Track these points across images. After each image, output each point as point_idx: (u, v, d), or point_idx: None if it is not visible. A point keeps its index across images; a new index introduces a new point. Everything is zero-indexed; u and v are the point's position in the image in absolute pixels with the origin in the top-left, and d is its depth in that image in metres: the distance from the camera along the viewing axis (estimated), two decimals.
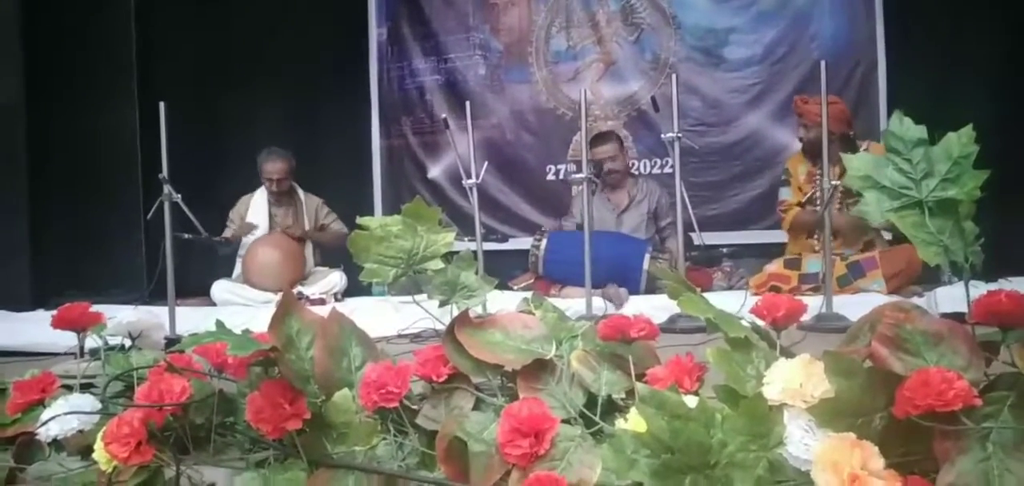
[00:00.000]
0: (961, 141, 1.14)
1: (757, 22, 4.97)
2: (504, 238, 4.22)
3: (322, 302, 3.88)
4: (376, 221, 1.43)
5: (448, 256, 1.45)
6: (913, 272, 3.34)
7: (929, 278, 3.43)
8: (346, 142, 5.67)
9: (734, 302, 2.92)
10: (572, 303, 3.48)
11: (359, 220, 1.43)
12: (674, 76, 3.21)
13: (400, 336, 2.90)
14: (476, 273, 1.39)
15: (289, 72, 5.27)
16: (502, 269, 4.48)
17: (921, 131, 1.16)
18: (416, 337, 2.76)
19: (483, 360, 1.29)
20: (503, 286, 4.30)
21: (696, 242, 3.86)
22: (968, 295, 1.13)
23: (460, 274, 1.38)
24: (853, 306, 2.76)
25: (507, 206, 5.43)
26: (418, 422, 1.27)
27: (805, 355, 1.14)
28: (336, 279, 4.18)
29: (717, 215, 4.88)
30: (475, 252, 3.49)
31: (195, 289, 4.20)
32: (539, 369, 1.27)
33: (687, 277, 3.41)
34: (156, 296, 3.90)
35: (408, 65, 5.73)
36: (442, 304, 1.38)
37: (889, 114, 4.71)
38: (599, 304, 3.43)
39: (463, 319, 1.33)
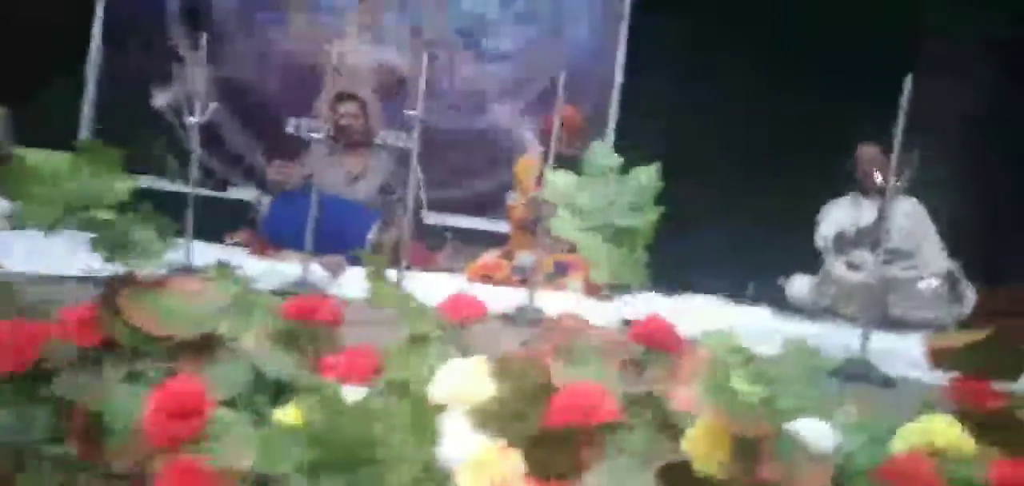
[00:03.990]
0: (648, 176, 1.24)
1: (518, 18, 5.13)
2: (223, 185, 3.91)
3: None
4: (41, 155, 1.23)
5: (131, 204, 1.29)
6: None
7: (622, 288, 3.77)
8: (59, 51, 4.95)
9: (452, 286, 3.01)
10: (288, 268, 3.35)
11: (16, 151, 1.22)
12: (426, 55, 3.21)
13: (87, 277, 2.58)
14: (178, 228, 1.25)
15: None
16: (223, 220, 4.19)
17: (616, 160, 1.24)
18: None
19: (146, 329, 1.16)
20: (217, 239, 4.03)
21: (425, 221, 3.92)
22: (631, 319, 1.22)
23: (132, 229, 1.23)
24: (554, 302, 2.95)
25: (238, 152, 5.10)
26: (54, 390, 1.12)
27: (480, 356, 1.17)
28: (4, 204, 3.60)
29: (453, 198, 4.96)
30: (187, 200, 3.21)
31: None
32: (207, 343, 1.18)
33: (411, 255, 3.46)
34: None
35: None
36: (107, 261, 1.22)
37: (617, 131, 5.14)
38: (317, 271, 3.32)
39: (127, 281, 1.19)
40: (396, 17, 5.18)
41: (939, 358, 1.21)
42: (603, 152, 1.23)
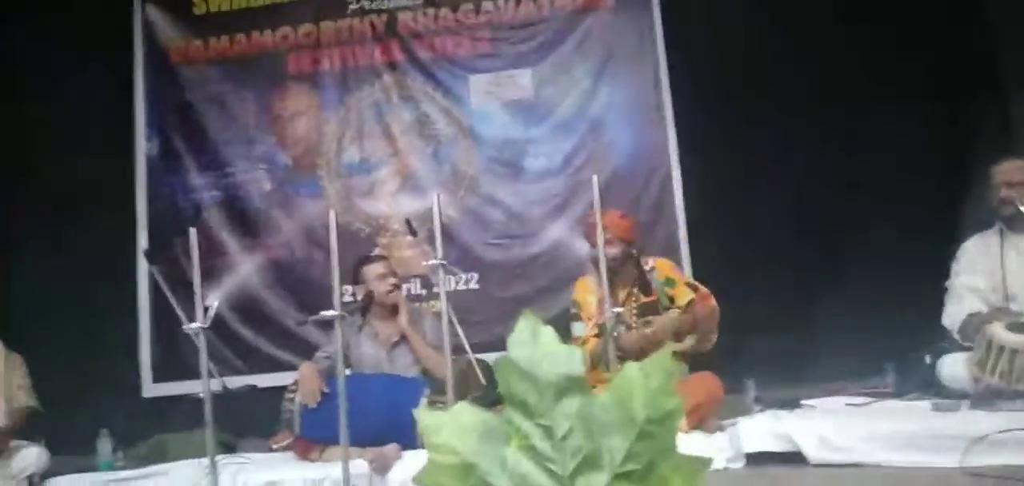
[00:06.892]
0: (651, 380, 0.67)
1: (555, 132, 4.81)
2: (252, 388, 3.58)
3: None
4: None
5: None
6: (715, 403, 3.07)
7: (734, 408, 3.16)
8: (108, 266, 4.89)
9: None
10: (333, 470, 2.92)
11: None
12: (437, 197, 2.91)
13: None
14: None
15: (45, 186, 4.59)
16: (275, 412, 3.80)
17: (570, 360, 0.67)
18: None
19: None
20: (262, 446, 3.66)
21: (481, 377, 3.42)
22: None
23: None
24: None
25: (297, 333, 4.83)
26: None
27: None
28: (32, 457, 3.36)
29: None
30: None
31: None
32: None
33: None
34: None
35: (182, 181, 5.07)
36: None
37: (688, 226, 4.56)
38: (363, 469, 2.89)
39: None
40: (429, 162, 4.93)
41: None
42: (536, 345, 0.68)
